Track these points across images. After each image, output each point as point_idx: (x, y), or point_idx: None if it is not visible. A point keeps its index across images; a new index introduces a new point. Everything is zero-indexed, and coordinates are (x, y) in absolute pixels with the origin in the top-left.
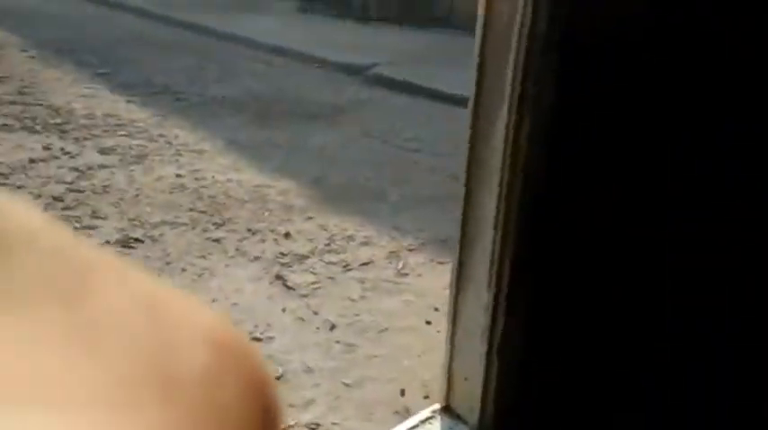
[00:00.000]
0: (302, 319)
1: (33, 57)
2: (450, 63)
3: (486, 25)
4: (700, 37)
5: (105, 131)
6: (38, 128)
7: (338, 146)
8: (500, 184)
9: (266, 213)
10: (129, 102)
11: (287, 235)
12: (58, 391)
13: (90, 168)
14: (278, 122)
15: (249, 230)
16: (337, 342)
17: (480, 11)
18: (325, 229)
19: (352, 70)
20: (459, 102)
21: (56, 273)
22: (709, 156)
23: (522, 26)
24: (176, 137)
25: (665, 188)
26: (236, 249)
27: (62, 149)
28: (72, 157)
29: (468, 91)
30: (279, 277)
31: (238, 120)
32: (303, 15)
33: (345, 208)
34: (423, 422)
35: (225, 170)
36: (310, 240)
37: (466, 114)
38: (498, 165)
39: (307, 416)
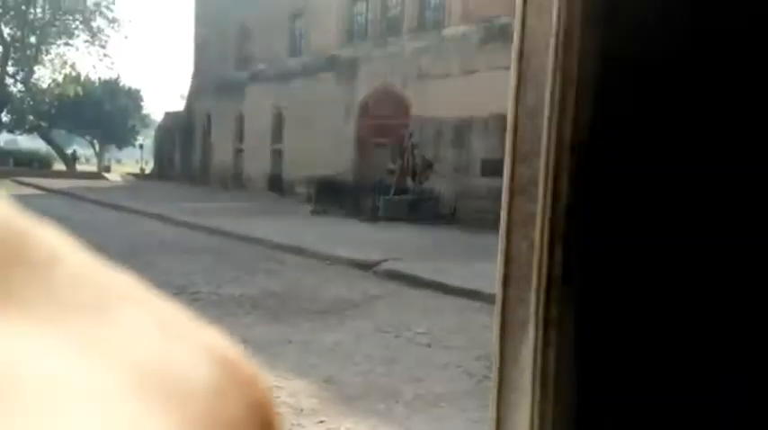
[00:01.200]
0: None
1: None
2: (455, 258)
3: (507, 260)
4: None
5: None
6: None
7: (351, 342)
8: (531, 405)
9: None
10: None
11: None
12: (70, 400)
13: None
14: (292, 319)
15: None
16: None
17: (500, 245)
18: None
19: (362, 266)
20: (468, 294)
21: (77, 292)
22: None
23: (540, 260)
24: None
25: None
26: None
27: None
28: None
29: (476, 284)
30: None
31: (253, 318)
32: (317, 217)
33: (358, 410)
34: None
35: None
36: None
37: (476, 308)
38: (528, 387)
39: None
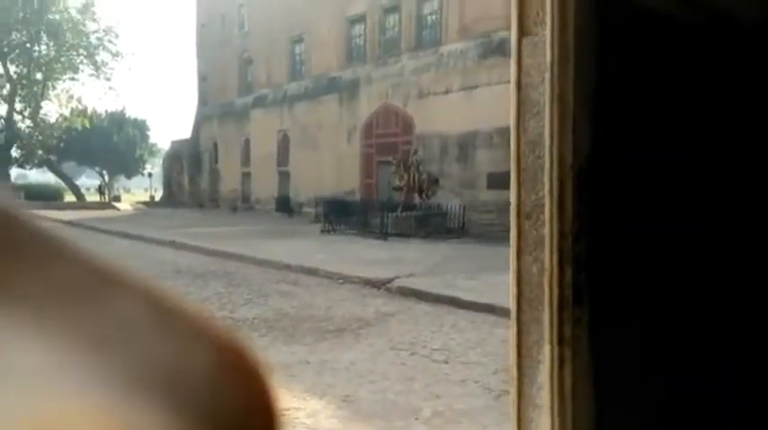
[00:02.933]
0: None
1: None
2: (467, 272)
3: (518, 282)
4: None
5: None
6: None
7: (367, 360)
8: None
9: None
10: None
11: None
12: (64, 388)
13: None
14: (307, 339)
15: None
16: None
17: (512, 267)
18: None
19: (374, 284)
20: (482, 309)
21: (73, 281)
22: None
23: (551, 282)
24: None
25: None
26: None
27: None
28: None
29: (490, 298)
30: None
31: (269, 340)
32: (326, 236)
33: (377, 428)
34: None
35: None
36: None
37: (491, 323)
38: (547, 404)
39: None
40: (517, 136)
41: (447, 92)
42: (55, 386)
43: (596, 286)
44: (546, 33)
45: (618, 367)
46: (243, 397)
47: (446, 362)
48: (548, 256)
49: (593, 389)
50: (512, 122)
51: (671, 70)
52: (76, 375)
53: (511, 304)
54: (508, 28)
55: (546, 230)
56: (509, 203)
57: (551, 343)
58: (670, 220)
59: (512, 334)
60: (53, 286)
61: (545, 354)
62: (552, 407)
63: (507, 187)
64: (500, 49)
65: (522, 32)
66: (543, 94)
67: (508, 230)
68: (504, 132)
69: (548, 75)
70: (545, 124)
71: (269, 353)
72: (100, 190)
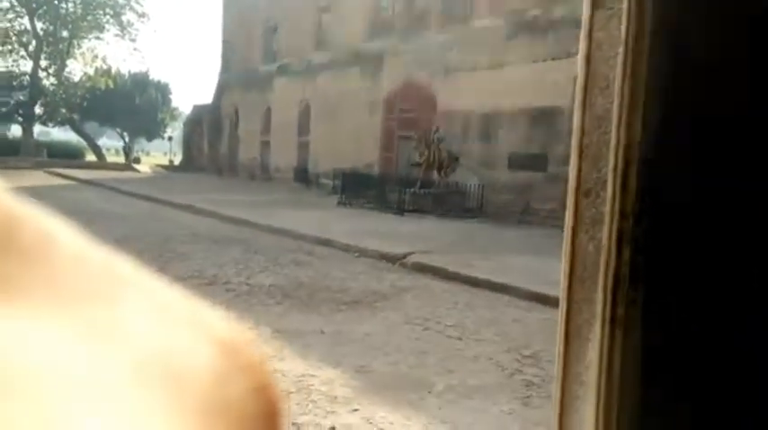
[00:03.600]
0: None
1: None
2: (483, 251)
3: (572, 261)
4: None
5: None
6: None
7: (381, 333)
8: (597, 397)
9: (310, 405)
10: None
11: (332, 429)
12: (69, 388)
13: None
14: (322, 310)
15: (294, 425)
16: None
17: (565, 245)
18: (371, 423)
19: (390, 259)
20: (496, 288)
21: (75, 277)
22: None
23: (607, 261)
24: None
25: None
26: None
27: None
28: None
29: (504, 278)
30: None
31: (284, 308)
32: (343, 209)
33: (391, 399)
34: None
35: (270, 360)
36: None
37: (505, 302)
38: (594, 382)
39: None
40: (582, 110)
41: (473, 69)
42: (57, 386)
43: (654, 269)
44: (623, 7)
45: (668, 352)
46: (245, 396)
47: (460, 339)
48: (606, 235)
49: (641, 371)
50: (577, 96)
51: (759, 54)
52: (79, 376)
53: (561, 282)
54: (540, 5)
55: (606, 209)
56: (529, 185)
57: (603, 322)
58: (735, 207)
59: (561, 312)
60: (55, 285)
61: (596, 333)
62: (599, 385)
63: (529, 168)
64: (530, 27)
65: (597, 5)
66: (614, 68)
67: (525, 212)
68: (529, 113)
69: (621, 49)
70: (614, 100)
71: (284, 321)
72: (125, 151)
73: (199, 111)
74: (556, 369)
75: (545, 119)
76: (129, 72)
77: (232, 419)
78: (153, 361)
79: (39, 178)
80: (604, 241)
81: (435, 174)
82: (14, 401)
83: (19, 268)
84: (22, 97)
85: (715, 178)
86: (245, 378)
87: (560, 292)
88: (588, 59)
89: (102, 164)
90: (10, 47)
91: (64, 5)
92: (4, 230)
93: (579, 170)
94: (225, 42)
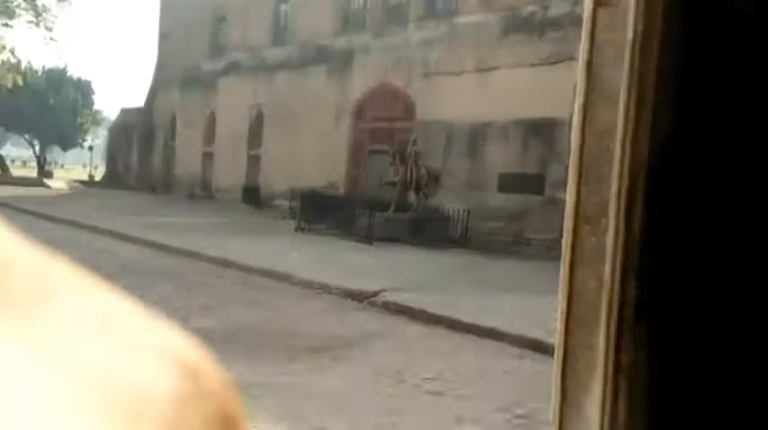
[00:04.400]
0: None
1: None
2: (467, 288)
3: (570, 299)
4: None
5: None
6: None
7: (345, 388)
8: None
9: None
10: None
11: None
12: (17, 398)
13: None
14: (273, 359)
15: None
16: None
17: (562, 282)
18: None
19: (357, 296)
20: (484, 333)
21: (9, 284)
22: None
23: (610, 299)
24: None
25: None
26: None
27: None
28: None
29: (493, 321)
30: None
31: (226, 357)
32: (302, 236)
33: None
34: None
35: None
36: None
37: (494, 350)
38: None
39: None
40: (582, 124)
41: (459, 72)
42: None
43: (664, 308)
44: (629, 5)
45: (680, 403)
46: (209, 411)
47: (440, 394)
48: (609, 269)
49: (650, 428)
50: (576, 108)
51: None
52: (23, 386)
53: (558, 324)
54: (538, 1)
55: (609, 237)
56: (523, 210)
57: (606, 371)
58: (756, 235)
59: (557, 359)
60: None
61: (596, 384)
62: None
63: (521, 191)
64: (526, 24)
65: (599, 2)
66: (620, 76)
67: (518, 243)
68: (524, 125)
69: (627, 53)
70: (619, 112)
71: (227, 373)
72: (38, 162)
73: (127, 116)
74: (552, 426)
75: (542, 132)
76: (44, 67)
77: None
78: (93, 375)
79: None
80: (607, 276)
81: (412, 196)
82: None
83: None
84: None
85: (734, 201)
86: (207, 397)
87: (557, 337)
88: (589, 64)
89: (5, 178)
90: None
91: None
92: None
93: (577, 193)
94: (162, 34)
